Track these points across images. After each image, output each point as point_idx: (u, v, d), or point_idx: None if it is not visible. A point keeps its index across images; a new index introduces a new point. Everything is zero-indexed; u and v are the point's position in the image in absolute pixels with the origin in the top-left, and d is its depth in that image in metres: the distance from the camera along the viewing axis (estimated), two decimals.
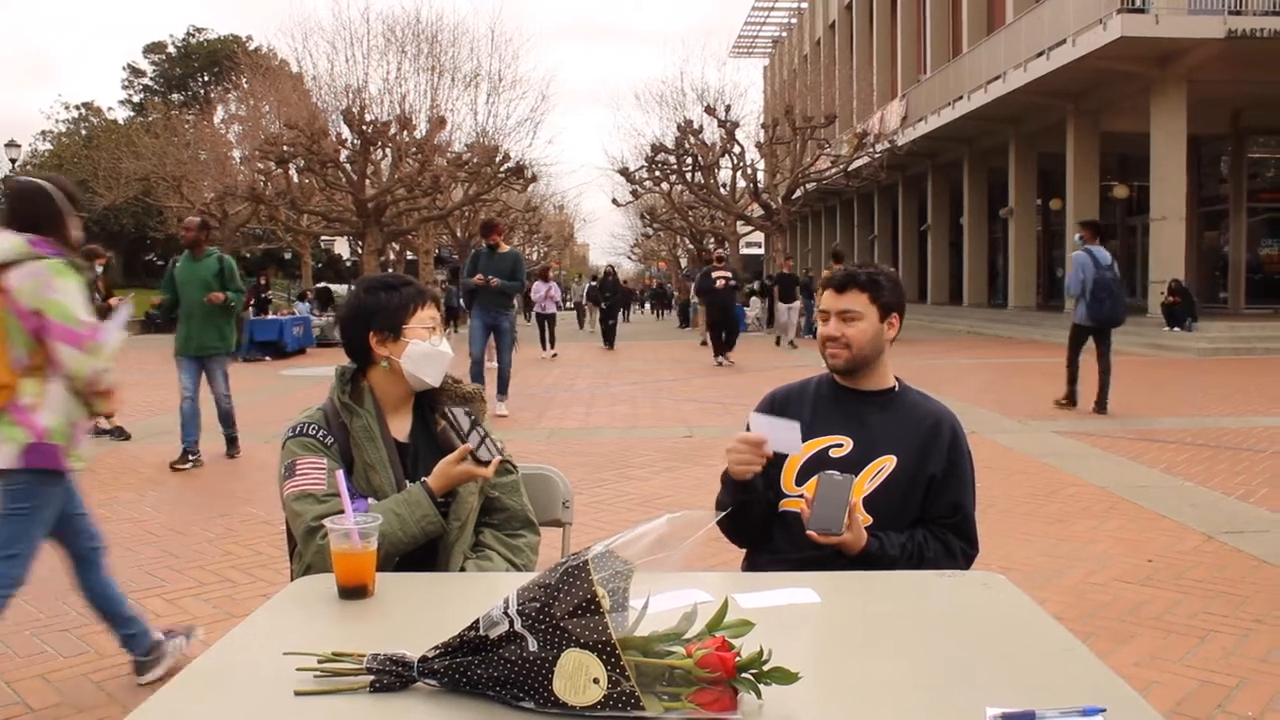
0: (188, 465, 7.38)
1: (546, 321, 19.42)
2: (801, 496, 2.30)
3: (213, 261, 7.60)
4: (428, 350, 2.28)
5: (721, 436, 8.47)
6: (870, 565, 2.21)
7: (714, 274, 16.39)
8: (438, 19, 46.28)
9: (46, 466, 3.02)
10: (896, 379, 2.47)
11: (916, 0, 31.96)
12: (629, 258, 69.48)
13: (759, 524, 2.38)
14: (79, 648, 3.73)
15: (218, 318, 7.50)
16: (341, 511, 1.97)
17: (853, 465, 2.28)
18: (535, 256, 50.87)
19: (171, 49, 53.55)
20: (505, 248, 9.60)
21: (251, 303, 20.19)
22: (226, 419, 7.81)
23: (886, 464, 2.31)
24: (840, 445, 2.32)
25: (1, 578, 3.00)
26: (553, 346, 19.09)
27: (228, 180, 28.67)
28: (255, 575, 4.68)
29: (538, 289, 19.35)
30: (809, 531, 2.15)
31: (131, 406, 11.06)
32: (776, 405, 2.48)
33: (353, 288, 3.13)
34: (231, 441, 7.93)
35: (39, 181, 3.20)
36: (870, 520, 2.27)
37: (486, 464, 2.19)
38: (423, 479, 2.21)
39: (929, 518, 2.33)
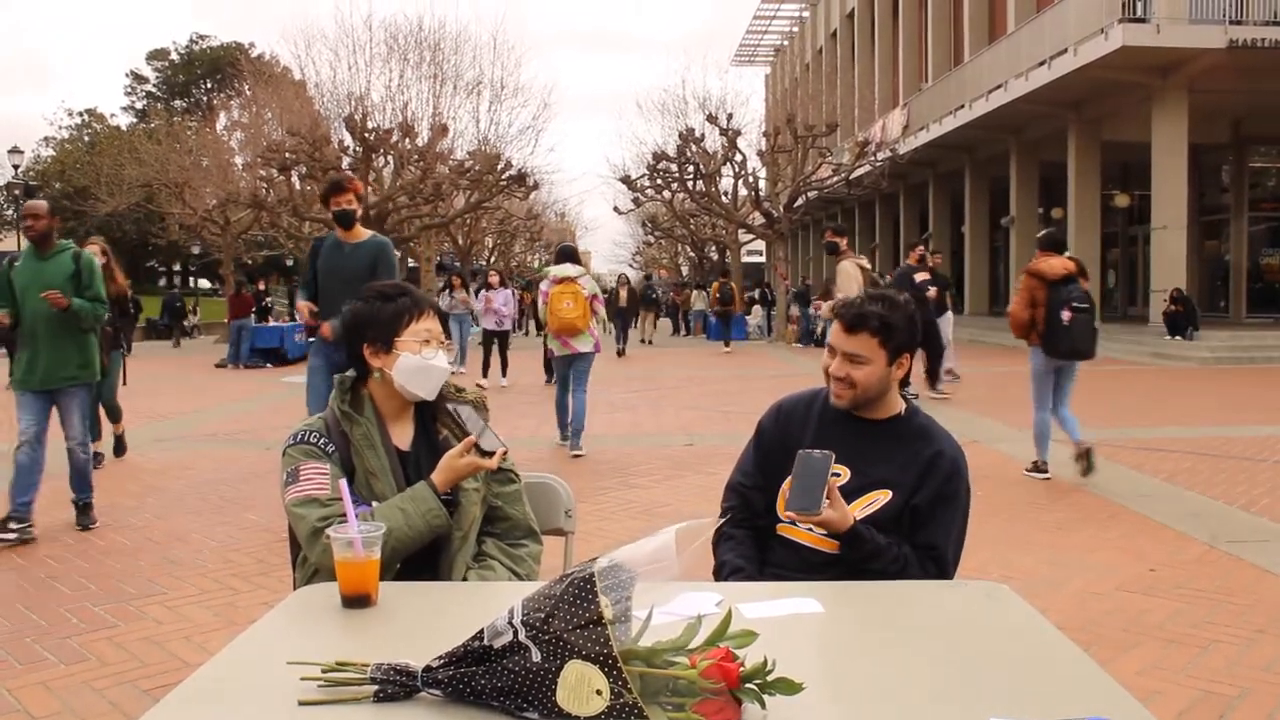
0: (11, 537, 5.31)
1: (496, 341, 14.72)
2: (793, 522, 2.30)
3: (66, 259, 5.59)
4: (418, 364, 2.27)
5: (723, 444, 8.46)
6: (857, 549, 2.18)
7: (917, 276, 11.85)
8: (440, 27, 46.37)
9: (597, 351, 8.18)
10: (906, 401, 2.43)
11: (918, 9, 32.03)
12: (631, 265, 69.56)
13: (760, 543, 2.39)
14: (80, 655, 3.73)
15: (73, 336, 5.54)
16: (344, 516, 1.98)
17: (847, 496, 2.25)
18: (537, 264, 50.85)
19: (174, 56, 53.75)
20: (363, 233, 5.81)
21: (253, 310, 20.21)
22: (80, 477, 5.76)
23: (881, 497, 2.28)
24: (837, 475, 2.28)
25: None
26: (503, 374, 14.58)
27: (230, 187, 28.71)
28: (257, 583, 4.68)
29: (479, 300, 15.05)
30: (787, 512, 2.13)
31: (131, 414, 11.07)
32: (782, 415, 2.48)
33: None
34: (84, 509, 5.79)
35: (574, 245, 9.20)
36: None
37: (491, 455, 2.19)
38: (426, 477, 2.22)
39: (912, 544, 2.28)
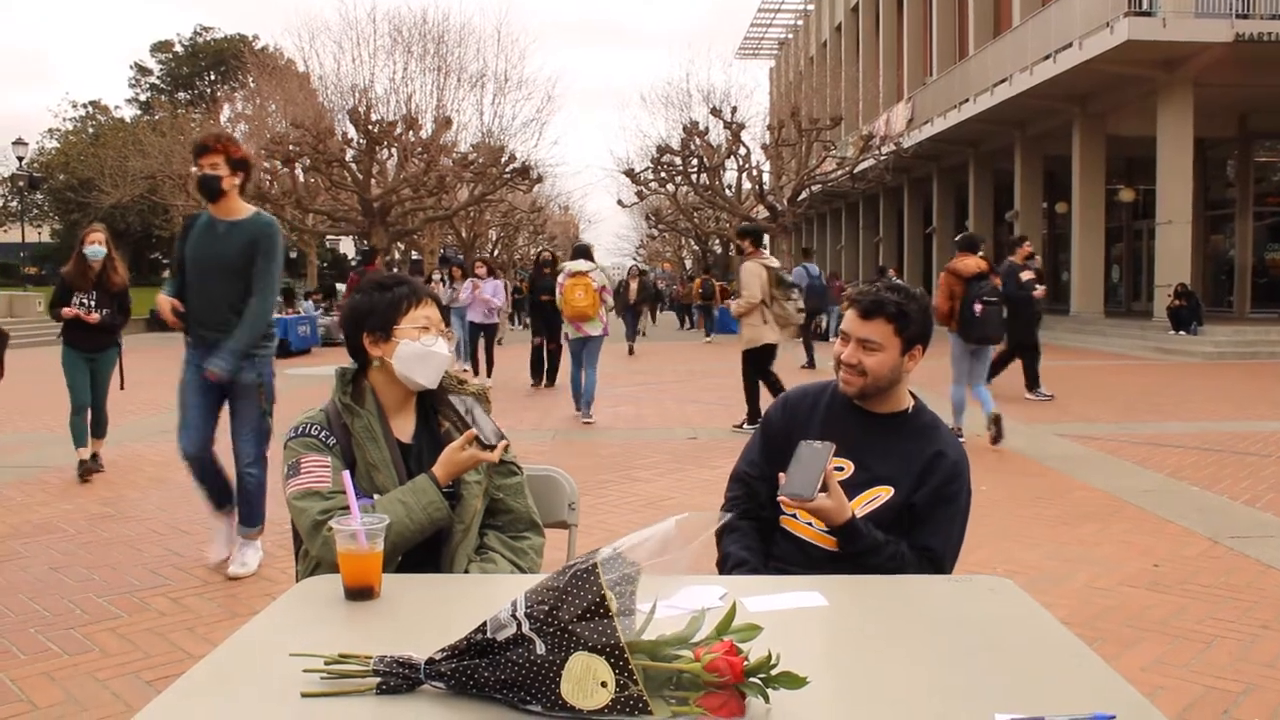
0: None
1: (482, 335, 13.88)
2: (794, 516, 2.29)
3: None
4: (418, 350, 2.27)
5: (726, 438, 8.47)
6: (852, 543, 2.17)
7: (1023, 274, 10.84)
8: (444, 19, 46.33)
9: (605, 335, 9.78)
10: (914, 397, 2.41)
11: (923, 3, 31.93)
12: (634, 259, 69.54)
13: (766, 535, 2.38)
14: (84, 646, 3.73)
15: None
16: (347, 509, 1.98)
17: (850, 490, 2.24)
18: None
19: (178, 48, 53.65)
20: (242, 210, 4.56)
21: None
22: None
23: (883, 494, 2.27)
24: (841, 469, 2.27)
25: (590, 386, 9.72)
26: (489, 372, 13.87)
27: None
28: (260, 574, 4.68)
29: (466, 290, 13.72)
30: (780, 497, 2.12)
31: (136, 404, 11.11)
32: (789, 407, 2.47)
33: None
34: None
35: (589, 244, 10.55)
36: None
37: (491, 448, 2.19)
38: (428, 470, 2.22)
39: (909, 543, 2.26)
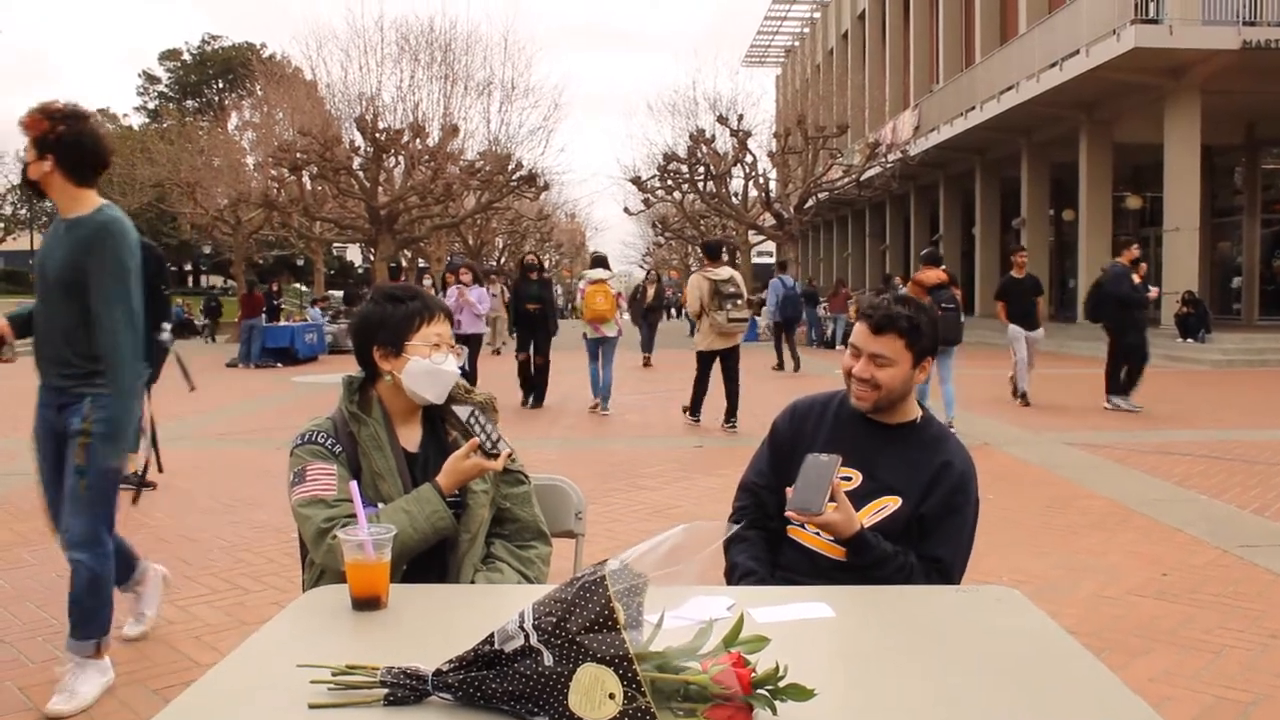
0: None
1: (465, 346, 10.35)
2: (802, 526, 2.29)
3: None
4: (428, 368, 2.26)
5: (732, 446, 8.46)
6: (862, 555, 2.17)
7: (1134, 277, 10.62)
8: (451, 27, 46.46)
9: (620, 335, 11.07)
10: (922, 408, 2.42)
11: (929, 10, 31.95)
12: (640, 266, 69.57)
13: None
14: None
15: None
16: (352, 516, 1.98)
17: (858, 500, 2.24)
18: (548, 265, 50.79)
19: (187, 56, 53.96)
20: (88, 203, 3.32)
21: (264, 309, 20.25)
22: None
23: (890, 504, 2.27)
24: (848, 479, 2.27)
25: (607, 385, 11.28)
26: (472, 384, 12.42)
27: (241, 187, 28.80)
28: (266, 582, 4.69)
29: (450, 296, 11.98)
30: (788, 511, 2.12)
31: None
32: (797, 416, 2.47)
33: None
34: None
35: (604, 254, 11.85)
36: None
37: (495, 457, 2.19)
38: (432, 479, 2.22)
39: (918, 554, 2.27)
